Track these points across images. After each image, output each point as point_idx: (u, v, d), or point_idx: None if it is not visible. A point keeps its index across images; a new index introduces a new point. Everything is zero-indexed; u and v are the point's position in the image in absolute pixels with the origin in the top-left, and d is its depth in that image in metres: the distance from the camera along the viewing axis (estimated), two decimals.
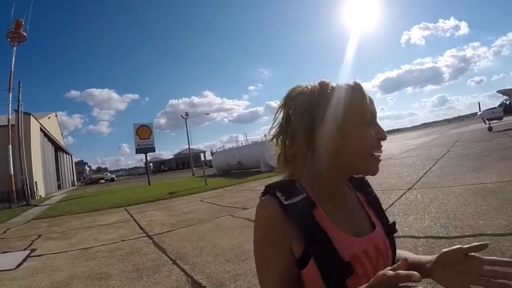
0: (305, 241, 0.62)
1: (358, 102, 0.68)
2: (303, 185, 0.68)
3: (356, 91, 0.69)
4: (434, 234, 3.79)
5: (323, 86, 0.70)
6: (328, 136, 0.66)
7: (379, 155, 0.69)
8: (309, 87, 0.72)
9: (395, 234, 0.80)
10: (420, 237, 3.72)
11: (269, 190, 0.69)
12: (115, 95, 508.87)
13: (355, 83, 0.71)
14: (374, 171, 0.69)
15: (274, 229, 0.64)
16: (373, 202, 0.81)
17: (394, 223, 0.81)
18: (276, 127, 0.74)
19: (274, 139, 0.74)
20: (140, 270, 3.95)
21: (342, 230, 0.66)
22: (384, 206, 4.08)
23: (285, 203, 0.64)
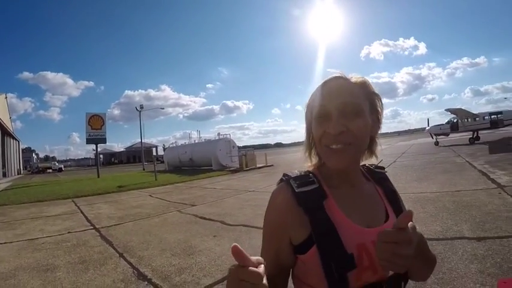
0: (311, 228, 0.77)
1: (314, 98, 0.86)
2: (318, 177, 0.87)
3: (318, 88, 0.86)
4: None
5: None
6: (310, 130, 0.89)
7: (337, 148, 0.79)
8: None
9: None
10: None
11: (285, 178, 0.87)
12: (70, 81, 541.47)
13: (325, 80, 0.86)
14: (331, 163, 0.82)
15: (282, 212, 0.81)
16: (391, 196, 0.95)
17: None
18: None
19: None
20: (87, 262, 4.49)
21: (353, 220, 0.80)
22: None
23: (296, 190, 0.81)
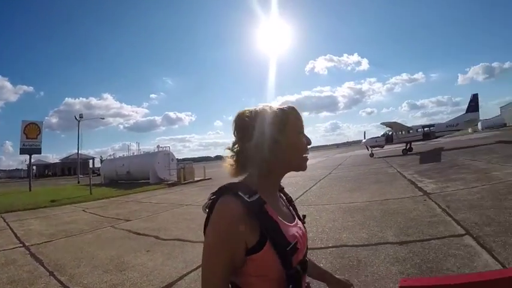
0: (262, 230, 1.01)
1: (295, 118, 1.18)
2: (253, 187, 1.08)
3: (293, 111, 1.20)
4: (308, 246, 4.96)
5: (264, 109, 1.17)
6: (276, 144, 1.12)
7: (307, 156, 1.21)
8: (257, 110, 1.17)
9: None
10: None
11: (227, 191, 1.05)
12: (8, 84, 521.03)
13: (289, 106, 1.21)
14: (305, 168, 1.22)
15: (236, 222, 0.99)
16: (290, 200, 1.37)
17: (304, 216, 1.37)
18: (236, 141, 1.19)
19: (230, 150, 1.20)
20: (15, 282, 4.58)
21: (283, 219, 1.12)
22: None
23: (248, 200, 1.01)
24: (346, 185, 11.62)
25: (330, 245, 4.86)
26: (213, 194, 1.08)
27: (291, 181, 14.56)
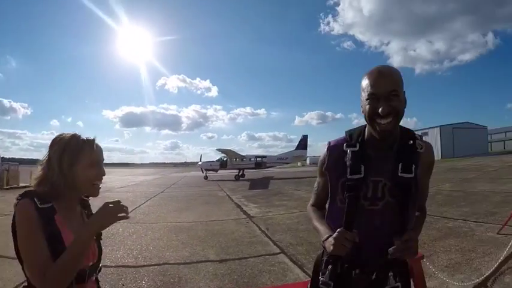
0: (45, 233, 1.19)
1: (89, 151, 1.34)
2: (49, 198, 1.27)
3: (87, 144, 1.35)
4: (124, 263, 4.75)
5: (71, 137, 1.35)
6: (68, 170, 1.29)
7: (99, 184, 1.39)
8: (65, 137, 1.35)
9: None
10: (111, 266, 4.55)
11: (27, 195, 1.24)
12: None
13: (88, 139, 1.36)
14: (94, 195, 1.42)
15: (33, 222, 1.18)
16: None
17: (101, 234, 1.49)
18: (47, 155, 1.34)
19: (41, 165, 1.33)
20: None
21: (72, 230, 1.28)
22: None
23: (39, 206, 1.21)
24: (176, 204, 11.68)
25: (153, 263, 4.74)
26: (19, 195, 1.25)
27: (121, 196, 13.92)
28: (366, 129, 1.42)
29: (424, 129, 60.79)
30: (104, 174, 1.40)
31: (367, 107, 1.30)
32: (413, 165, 1.32)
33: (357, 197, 1.34)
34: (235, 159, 33.04)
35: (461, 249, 4.86)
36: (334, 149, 1.46)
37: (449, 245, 5.09)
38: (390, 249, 1.24)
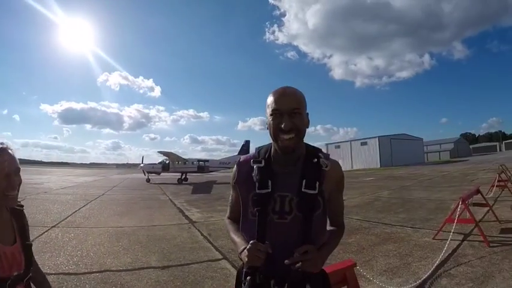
0: None
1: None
2: None
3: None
4: (65, 271, 4.68)
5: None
6: None
7: (13, 194, 1.34)
8: None
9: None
10: (51, 274, 4.45)
11: None
12: None
13: (2, 147, 1.35)
14: (9, 205, 1.41)
15: None
16: (22, 227, 1.50)
17: (30, 245, 1.50)
18: None
19: None
20: None
21: None
22: None
23: None
24: (117, 208, 11.48)
25: (94, 270, 4.71)
26: None
27: (60, 199, 13.75)
28: (272, 146, 1.51)
29: (364, 138, 64.36)
30: (20, 183, 1.38)
31: (271, 122, 1.41)
32: (317, 182, 1.42)
33: (266, 211, 1.42)
34: (178, 162, 32.90)
35: (399, 253, 5.21)
36: (243, 165, 1.56)
37: (388, 250, 5.45)
38: (286, 260, 1.31)
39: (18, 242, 1.43)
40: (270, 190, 1.43)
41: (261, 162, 1.49)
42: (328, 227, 1.60)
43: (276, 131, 1.41)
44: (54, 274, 4.49)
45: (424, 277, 3.97)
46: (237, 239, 1.53)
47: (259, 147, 1.63)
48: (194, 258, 5.33)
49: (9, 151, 1.37)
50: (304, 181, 1.42)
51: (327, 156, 1.51)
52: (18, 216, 1.51)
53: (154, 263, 5.07)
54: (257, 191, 1.43)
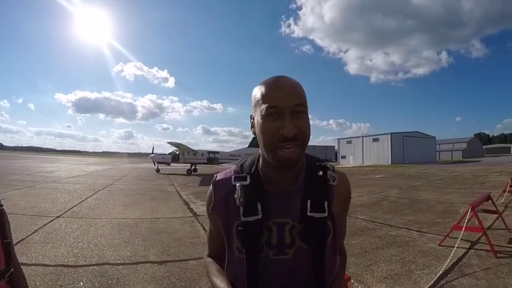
0: None
1: None
2: None
3: None
4: (64, 262, 4.63)
5: None
6: None
7: None
8: None
9: None
10: (50, 266, 4.45)
11: None
12: None
13: None
14: None
15: None
16: None
17: (9, 242, 1.20)
18: None
19: None
20: None
21: None
22: (27, 233, 5.49)
23: None
24: (123, 199, 11.48)
25: (93, 263, 4.65)
26: None
27: (68, 188, 13.83)
28: (261, 157, 1.12)
29: (376, 135, 64.02)
30: None
31: (264, 125, 1.00)
32: (326, 202, 1.06)
33: (257, 245, 1.04)
34: (187, 153, 32.84)
35: (402, 259, 5.00)
36: (221, 185, 1.16)
37: (391, 254, 5.24)
38: None
39: None
40: (260, 216, 1.03)
41: (245, 179, 1.09)
42: None
43: (273, 138, 0.98)
44: (53, 266, 4.45)
45: None
46: (220, 284, 1.12)
47: (241, 160, 1.21)
48: (193, 254, 5.23)
49: None
50: (309, 202, 1.05)
51: (332, 168, 1.14)
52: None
53: (152, 257, 5.00)
54: (243, 219, 1.04)
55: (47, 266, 4.43)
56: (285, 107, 0.97)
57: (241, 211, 1.04)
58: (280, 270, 1.04)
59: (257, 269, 1.03)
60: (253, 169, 1.11)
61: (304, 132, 0.99)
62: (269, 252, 1.04)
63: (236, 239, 1.07)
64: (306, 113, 1.01)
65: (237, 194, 1.05)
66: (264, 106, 0.99)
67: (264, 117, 0.99)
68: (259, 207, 1.04)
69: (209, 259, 1.29)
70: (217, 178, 1.19)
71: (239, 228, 1.05)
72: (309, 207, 1.04)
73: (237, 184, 1.07)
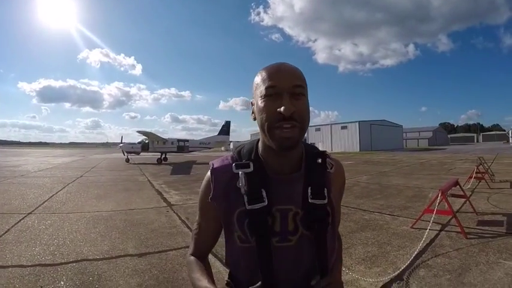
0: None
1: None
2: None
3: None
4: (41, 262, 4.50)
5: None
6: None
7: None
8: None
9: None
10: (28, 266, 4.31)
11: None
12: None
13: None
14: None
15: None
16: None
17: None
18: None
19: None
20: None
21: None
22: None
23: None
24: (95, 191, 11.25)
25: (71, 260, 4.56)
26: None
27: (37, 182, 13.47)
28: (260, 143, 1.13)
29: (344, 122, 65.25)
30: None
31: (264, 105, 1.00)
32: (325, 189, 1.08)
33: (267, 233, 1.03)
34: (157, 142, 32.42)
35: (377, 242, 5.23)
36: (221, 172, 1.12)
37: (366, 237, 5.47)
38: None
39: None
40: (266, 203, 1.02)
41: (248, 166, 1.06)
42: None
43: (271, 118, 0.98)
44: (31, 266, 4.32)
45: (403, 267, 4.00)
46: (203, 283, 1.06)
47: (237, 146, 1.19)
48: (171, 245, 5.27)
49: None
50: (309, 189, 1.06)
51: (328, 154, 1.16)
52: None
53: (131, 250, 4.97)
54: (248, 207, 1.02)
55: (24, 266, 4.31)
56: (283, 87, 0.97)
57: (246, 199, 1.02)
58: (284, 257, 1.04)
59: (270, 256, 1.01)
60: (253, 155, 1.10)
61: (302, 113, 0.99)
62: (273, 240, 1.03)
63: (238, 228, 1.06)
64: (305, 95, 1.02)
65: (241, 182, 1.03)
66: (263, 87, 1.00)
67: (262, 97, 1.00)
68: (264, 194, 1.02)
69: (192, 258, 1.22)
70: (215, 166, 1.14)
71: (245, 216, 1.04)
72: (309, 194, 1.05)
73: (240, 172, 1.04)
